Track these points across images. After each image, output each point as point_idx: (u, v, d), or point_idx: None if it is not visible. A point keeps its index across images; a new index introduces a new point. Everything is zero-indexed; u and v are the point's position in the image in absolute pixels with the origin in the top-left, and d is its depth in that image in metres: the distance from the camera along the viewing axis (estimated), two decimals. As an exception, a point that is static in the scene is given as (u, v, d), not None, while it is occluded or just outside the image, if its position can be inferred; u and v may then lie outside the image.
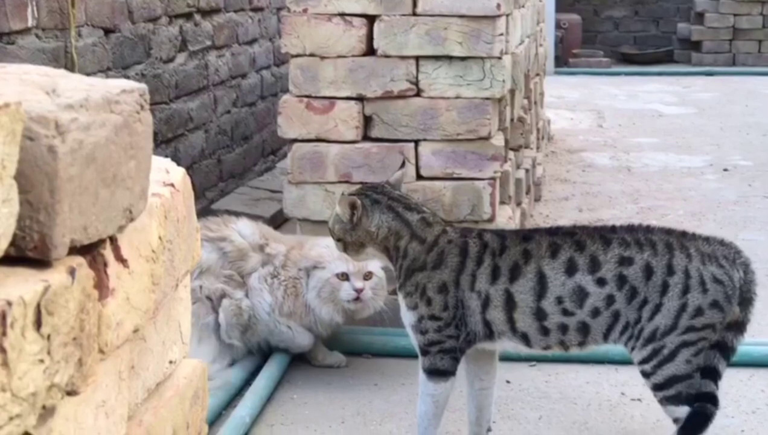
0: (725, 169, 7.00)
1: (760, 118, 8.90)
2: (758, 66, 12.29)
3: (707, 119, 8.90)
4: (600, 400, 3.57)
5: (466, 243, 3.04)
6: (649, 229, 3.06)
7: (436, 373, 3.03)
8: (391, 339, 3.89)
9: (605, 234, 3.02)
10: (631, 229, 3.06)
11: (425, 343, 3.02)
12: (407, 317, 3.06)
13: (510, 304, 2.97)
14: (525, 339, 3.00)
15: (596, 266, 2.95)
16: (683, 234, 3.07)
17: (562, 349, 3.03)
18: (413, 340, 3.07)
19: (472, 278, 2.99)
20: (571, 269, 2.96)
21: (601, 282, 2.95)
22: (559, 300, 2.95)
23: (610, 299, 2.95)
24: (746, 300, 3.03)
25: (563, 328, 2.98)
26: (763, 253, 4.96)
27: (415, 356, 3.11)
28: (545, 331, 2.99)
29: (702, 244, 3.02)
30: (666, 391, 2.98)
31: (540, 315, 2.97)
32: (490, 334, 3.00)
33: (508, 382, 3.66)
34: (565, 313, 2.96)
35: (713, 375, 3.02)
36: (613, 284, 2.95)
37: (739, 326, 3.04)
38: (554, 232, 3.09)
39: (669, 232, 3.06)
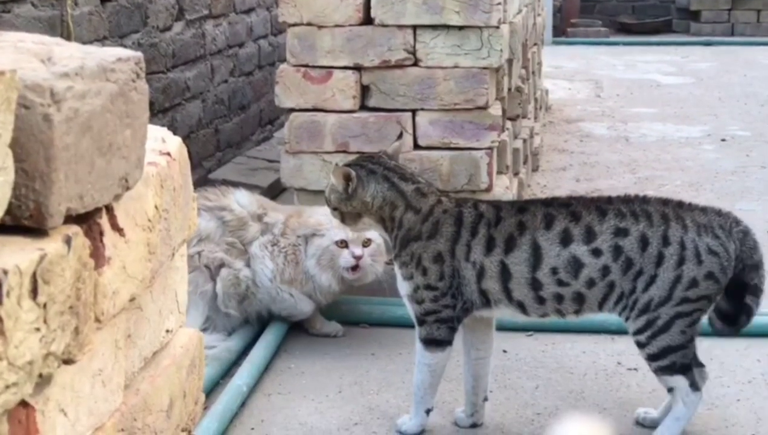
0: (723, 140, 6.99)
1: (758, 88, 8.88)
2: (757, 36, 12.25)
3: (705, 89, 8.88)
4: (596, 369, 3.58)
5: (461, 213, 3.04)
6: (645, 200, 3.05)
7: (433, 343, 3.04)
8: (388, 308, 3.90)
9: (601, 205, 3.02)
10: (627, 199, 3.05)
11: (422, 312, 3.03)
12: (403, 287, 3.06)
13: (505, 274, 2.98)
14: (521, 307, 3.01)
15: (592, 237, 2.95)
16: (679, 205, 3.06)
17: (558, 316, 3.04)
18: (410, 310, 3.08)
19: (467, 248, 2.99)
20: (566, 240, 2.96)
21: (596, 253, 2.95)
22: (554, 271, 2.96)
23: (605, 270, 2.95)
24: (751, 266, 2.98)
25: (559, 298, 2.98)
26: (760, 223, 4.97)
27: (412, 326, 3.12)
28: (541, 301, 2.99)
29: (698, 215, 3.01)
30: (660, 361, 2.99)
31: (535, 285, 2.97)
32: (486, 302, 3.01)
33: (504, 351, 3.67)
34: (561, 283, 2.96)
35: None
36: (608, 255, 2.95)
37: (754, 291, 2.99)
38: (549, 203, 3.08)
39: (665, 202, 3.06)
